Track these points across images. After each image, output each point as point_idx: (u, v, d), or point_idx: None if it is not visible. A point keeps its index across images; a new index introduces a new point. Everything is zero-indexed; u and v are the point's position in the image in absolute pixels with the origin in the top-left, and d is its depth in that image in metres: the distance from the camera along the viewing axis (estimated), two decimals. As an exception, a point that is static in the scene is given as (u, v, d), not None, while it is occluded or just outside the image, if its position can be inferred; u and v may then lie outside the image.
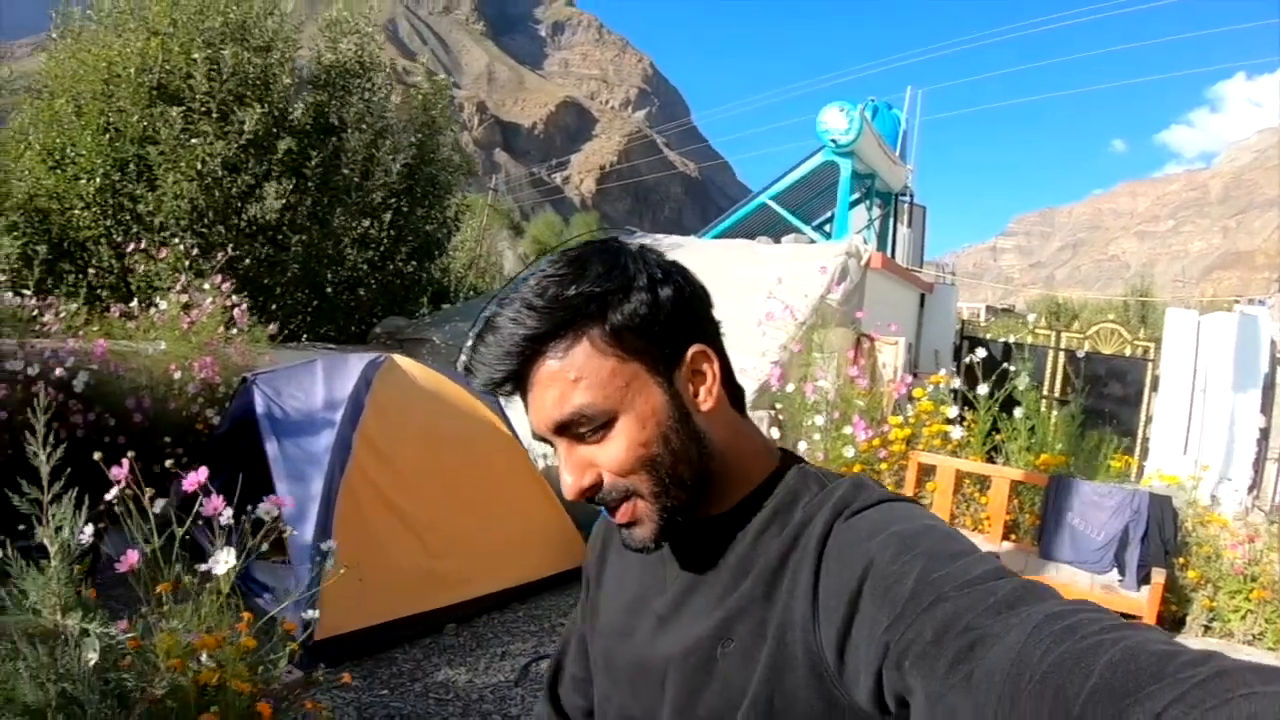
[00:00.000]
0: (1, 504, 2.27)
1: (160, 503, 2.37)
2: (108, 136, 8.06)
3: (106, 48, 8.26)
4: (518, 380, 0.87)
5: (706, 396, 0.90)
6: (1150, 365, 10.00)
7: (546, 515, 5.36)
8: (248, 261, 8.26)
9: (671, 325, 0.88)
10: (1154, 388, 9.66)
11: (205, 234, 8.19)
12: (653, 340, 0.87)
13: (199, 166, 7.71)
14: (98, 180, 7.97)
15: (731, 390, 0.95)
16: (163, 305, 6.61)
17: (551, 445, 0.90)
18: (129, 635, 2.14)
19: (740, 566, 0.89)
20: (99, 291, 8.16)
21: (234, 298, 6.69)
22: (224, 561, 2.26)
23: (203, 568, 2.31)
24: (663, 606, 0.96)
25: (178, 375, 5.98)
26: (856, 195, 13.91)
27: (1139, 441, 9.63)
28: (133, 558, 2.23)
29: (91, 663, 2.03)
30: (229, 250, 7.66)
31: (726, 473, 0.92)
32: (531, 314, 0.84)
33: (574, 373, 0.84)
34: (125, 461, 2.30)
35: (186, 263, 7.10)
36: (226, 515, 2.40)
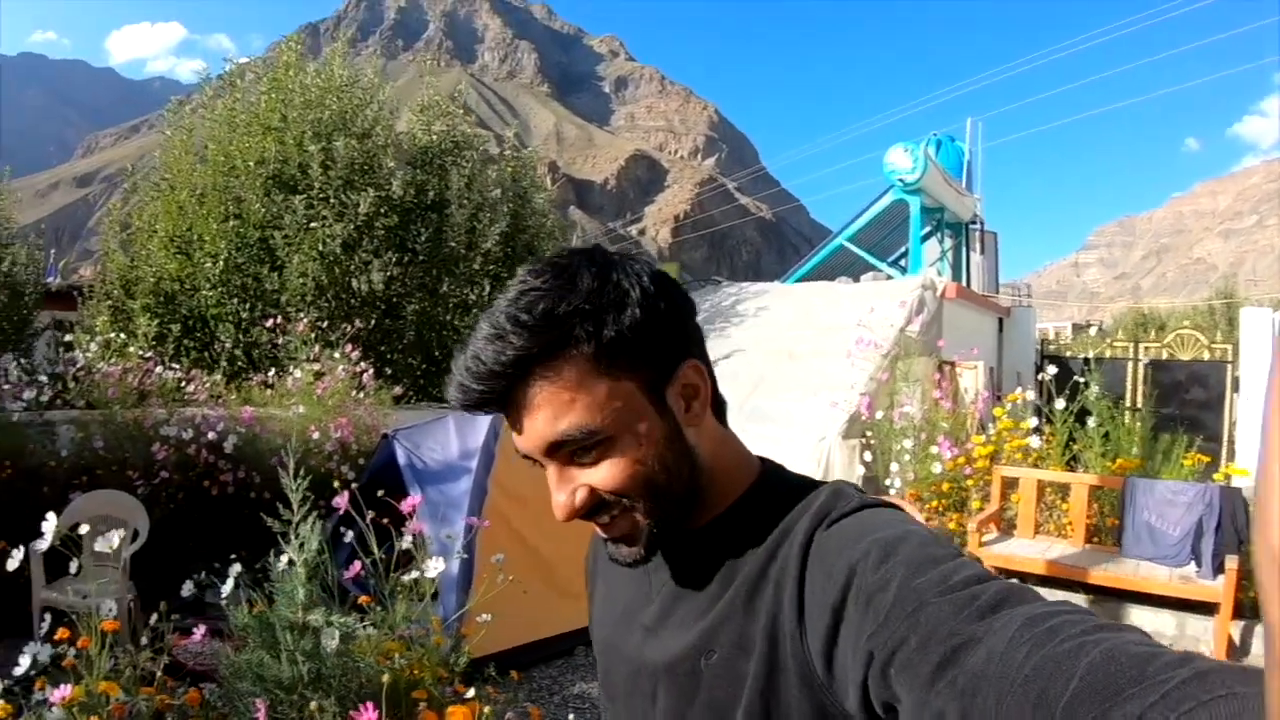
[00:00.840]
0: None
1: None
2: (230, 223, 8.85)
3: (224, 143, 9.11)
4: (504, 401, 0.84)
5: (700, 412, 0.89)
6: (1230, 367, 10.05)
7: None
8: (365, 330, 8.92)
9: (664, 341, 0.86)
10: (1235, 389, 9.66)
11: (326, 307, 8.91)
12: (646, 358, 0.85)
13: (320, 248, 8.48)
14: (221, 263, 8.76)
15: (716, 402, 0.94)
16: (297, 373, 7.34)
17: (539, 465, 0.89)
18: (362, 624, 2.73)
19: (723, 578, 0.89)
20: (235, 363, 8.95)
21: (362, 364, 7.38)
22: (434, 567, 2.82)
23: (412, 575, 2.88)
24: (649, 618, 0.96)
25: (315, 435, 6.66)
26: (928, 229, 14.31)
27: (1225, 444, 9.63)
28: (356, 567, 2.83)
29: (332, 647, 2.61)
30: (355, 323, 8.36)
31: (713, 485, 0.91)
32: (521, 332, 0.80)
33: (567, 394, 0.82)
34: (345, 493, 2.89)
35: (312, 335, 7.82)
36: (413, 534, 2.96)
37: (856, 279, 11.00)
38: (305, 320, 8.06)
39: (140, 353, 7.93)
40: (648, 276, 0.86)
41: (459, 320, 9.73)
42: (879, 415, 6.87)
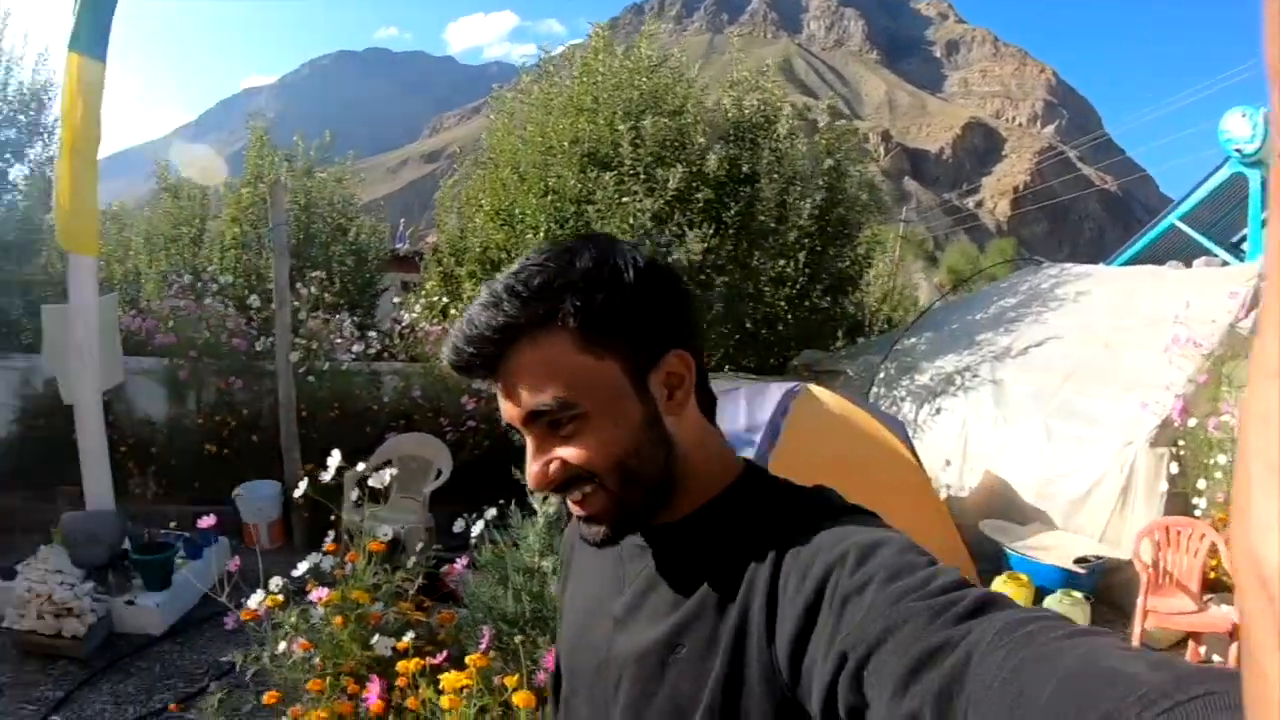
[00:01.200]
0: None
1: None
2: (548, 198, 9.29)
3: (541, 125, 9.60)
4: (492, 366, 0.87)
5: (681, 401, 0.90)
6: None
7: (943, 539, 5.44)
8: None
9: (652, 327, 0.88)
10: None
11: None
12: (631, 341, 0.87)
13: (631, 221, 8.73)
14: (540, 234, 9.21)
15: (703, 396, 0.95)
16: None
17: (521, 435, 0.91)
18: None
19: (695, 574, 0.89)
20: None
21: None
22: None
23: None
24: (619, 608, 0.97)
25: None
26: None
27: None
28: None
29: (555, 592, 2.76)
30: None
31: (689, 478, 0.92)
32: (514, 301, 0.84)
33: (550, 365, 0.84)
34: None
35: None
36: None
37: (1188, 264, 9.77)
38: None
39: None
40: (644, 263, 0.88)
41: (771, 292, 9.68)
42: (1192, 423, 6.02)
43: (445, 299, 10.49)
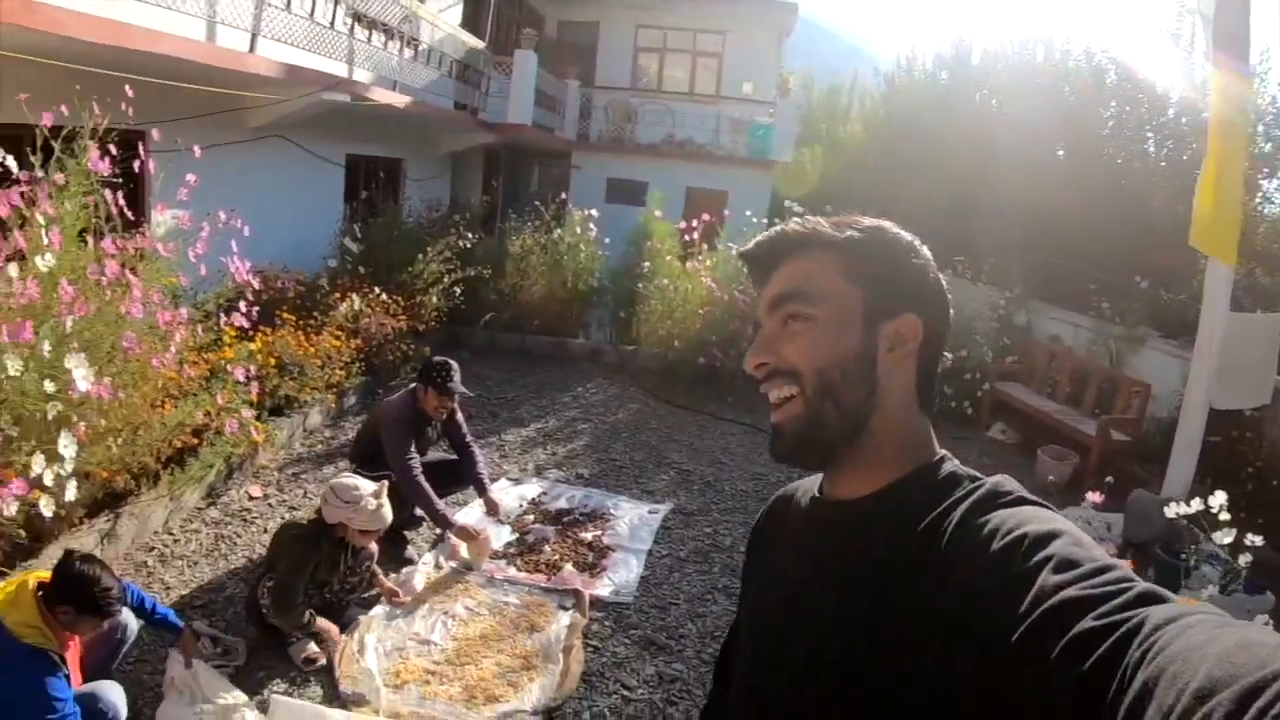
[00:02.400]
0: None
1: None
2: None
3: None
4: (770, 263, 1.01)
5: (898, 359, 0.95)
6: None
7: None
8: None
9: (900, 285, 0.97)
10: None
11: None
12: (879, 285, 0.96)
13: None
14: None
15: (926, 385, 0.99)
16: None
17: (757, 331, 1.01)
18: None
19: (876, 553, 0.91)
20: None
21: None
22: None
23: None
24: (799, 584, 0.99)
25: None
26: None
27: None
28: None
29: None
30: None
31: (880, 443, 0.95)
32: (812, 224, 1.00)
33: (810, 272, 0.97)
34: None
35: None
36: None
37: None
38: None
39: None
40: (924, 247, 1.00)
41: None
42: None
43: None
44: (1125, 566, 0.73)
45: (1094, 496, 4.84)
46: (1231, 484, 6.06)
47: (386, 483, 3.79)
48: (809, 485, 1.09)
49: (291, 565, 3.55)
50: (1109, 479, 5.73)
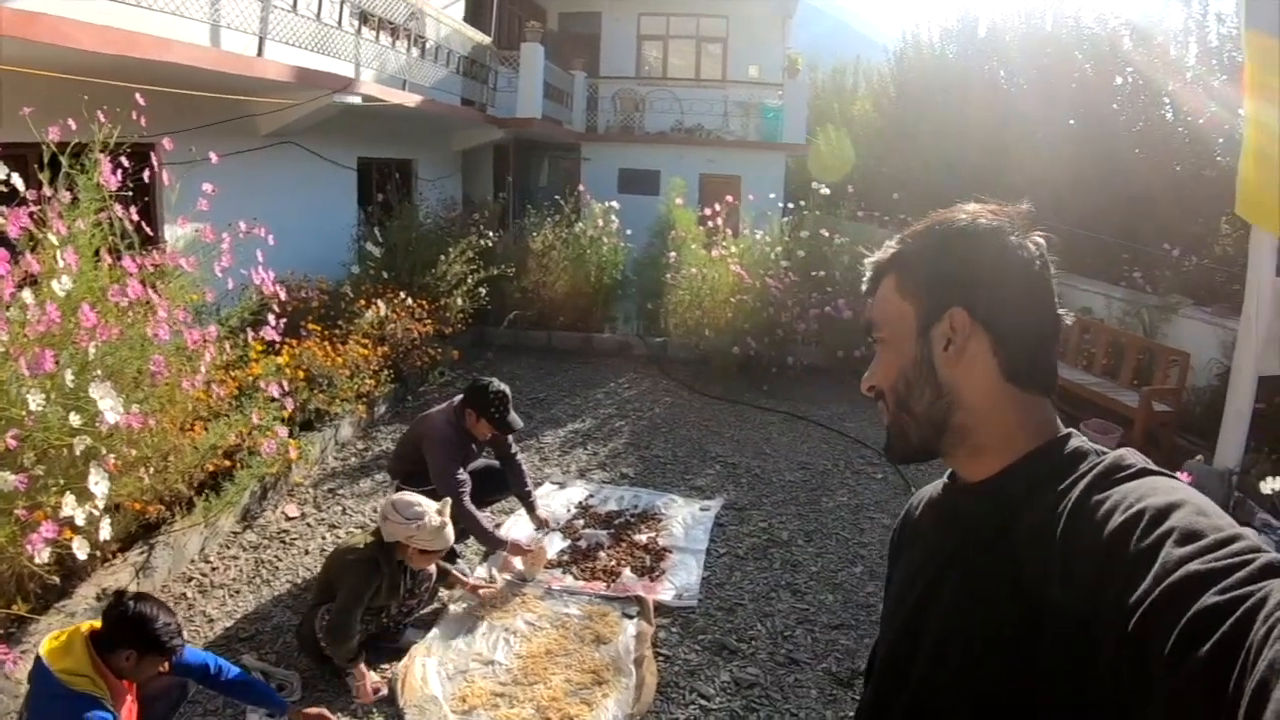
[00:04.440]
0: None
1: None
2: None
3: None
4: (873, 290, 1.07)
5: (955, 355, 0.97)
6: None
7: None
8: None
9: (940, 286, 0.98)
10: None
11: None
12: (923, 294, 1.00)
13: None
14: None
15: (1018, 364, 0.96)
16: None
17: None
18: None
19: (994, 533, 0.92)
20: None
21: None
22: None
23: None
24: (934, 569, 1.01)
25: None
26: None
27: None
28: None
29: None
30: None
31: (977, 433, 0.97)
32: (888, 244, 1.07)
33: (883, 299, 1.04)
34: None
35: None
36: None
37: None
38: None
39: None
40: (967, 230, 0.99)
41: None
42: None
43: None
44: (1252, 535, 0.71)
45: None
46: (1280, 452, 5.93)
47: (450, 501, 3.58)
48: (939, 482, 1.13)
49: (351, 593, 3.33)
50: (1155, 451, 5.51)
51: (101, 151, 3.59)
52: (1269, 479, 3.69)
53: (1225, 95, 8.71)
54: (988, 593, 0.90)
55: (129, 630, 2.48)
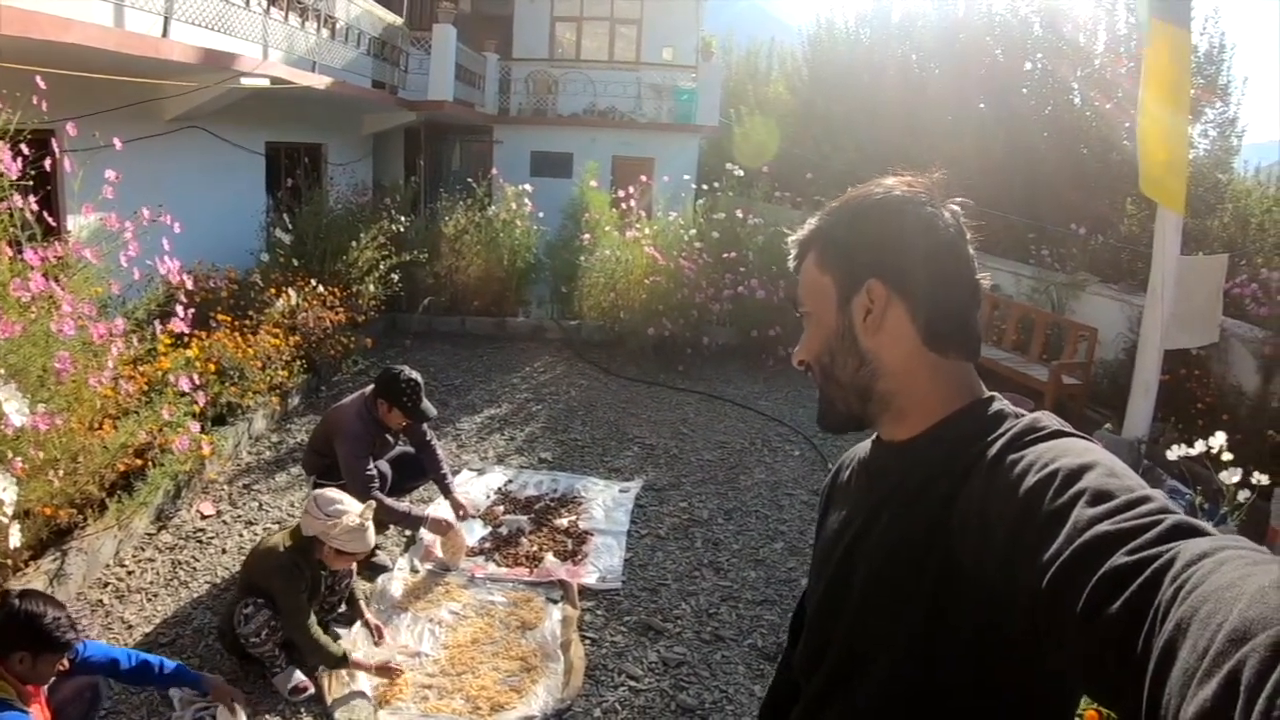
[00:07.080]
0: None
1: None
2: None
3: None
4: (798, 268, 1.11)
5: (873, 324, 1.01)
6: None
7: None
8: None
9: (857, 258, 1.03)
10: None
11: None
12: (841, 267, 1.04)
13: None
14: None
15: (937, 330, 1.00)
16: None
17: None
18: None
19: (917, 489, 0.97)
20: None
21: None
22: None
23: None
24: (861, 523, 1.06)
25: None
26: None
27: None
28: None
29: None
30: None
31: (899, 397, 1.03)
32: (808, 222, 1.11)
33: (806, 274, 1.09)
34: None
35: None
36: None
37: None
38: None
39: None
40: (883, 202, 1.03)
41: None
42: None
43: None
44: (1161, 496, 0.73)
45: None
46: (1183, 421, 6.28)
47: (374, 504, 3.58)
48: (867, 442, 1.17)
49: (291, 606, 3.31)
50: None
51: (1, 138, 3.48)
52: (1176, 447, 3.89)
53: (1131, 82, 9.16)
54: (908, 547, 0.94)
55: (17, 631, 2.40)
